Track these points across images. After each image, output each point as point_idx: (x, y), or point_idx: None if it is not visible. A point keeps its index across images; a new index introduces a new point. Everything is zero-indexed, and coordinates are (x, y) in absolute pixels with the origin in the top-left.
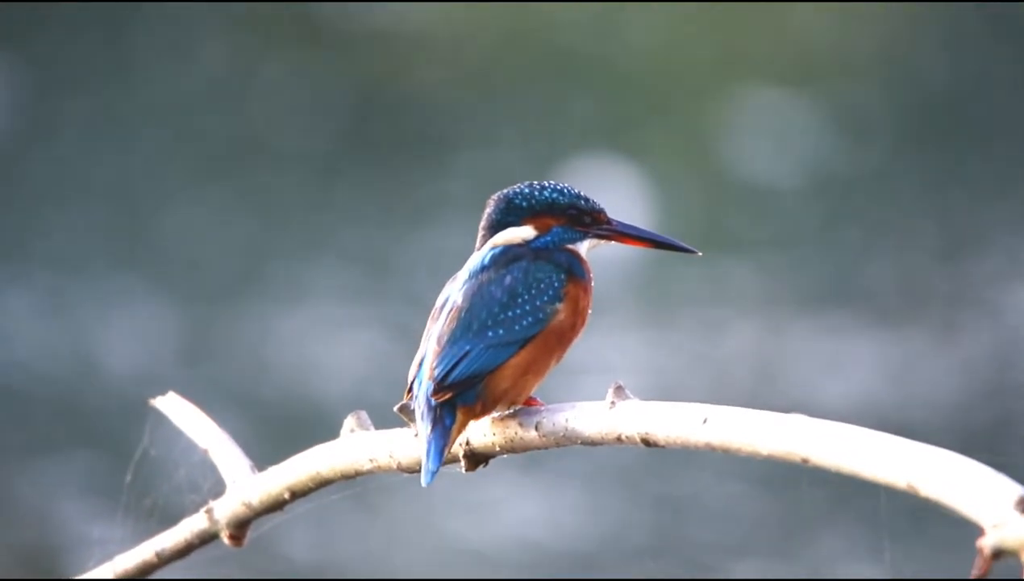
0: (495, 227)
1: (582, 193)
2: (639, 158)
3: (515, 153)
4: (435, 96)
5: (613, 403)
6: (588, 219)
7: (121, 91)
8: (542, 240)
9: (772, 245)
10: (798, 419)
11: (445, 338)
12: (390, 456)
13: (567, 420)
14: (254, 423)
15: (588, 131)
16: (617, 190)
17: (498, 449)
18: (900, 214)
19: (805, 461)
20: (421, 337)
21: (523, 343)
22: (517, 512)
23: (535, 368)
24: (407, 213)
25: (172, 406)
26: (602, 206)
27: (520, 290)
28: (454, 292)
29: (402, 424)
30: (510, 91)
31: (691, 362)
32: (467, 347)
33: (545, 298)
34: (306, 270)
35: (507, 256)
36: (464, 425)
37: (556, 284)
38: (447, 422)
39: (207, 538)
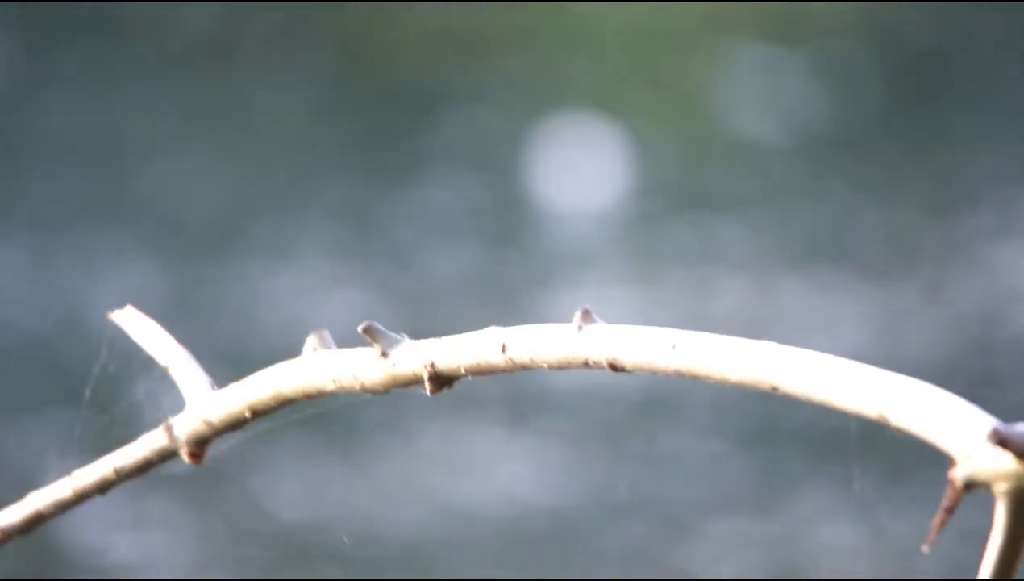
0: None
1: None
2: (624, 116)
3: (500, 110)
4: (420, 51)
5: (580, 327)
6: None
7: (104, 47)
8: None
9: (759, 202)
10: (769, 346)
11: None
12: (354, 376)
13: (532, 344)
14: (239, 380)
15: (573, 88)
16: (602, 148)
17: (463, 371)
18: (888, 170)
19: (775, 389)
20: (403, 293)
21: None
22: (502, 470)
23: None
24: (392, 169)
25: (130, 321)
26: None
27: None
28: None
29: (366, 345)
30: (496, 47)
31: (678, 319)
32: None
33: None
34: (291, 226)
35: None
36: None
37: None
38: None
39: (166, 455)
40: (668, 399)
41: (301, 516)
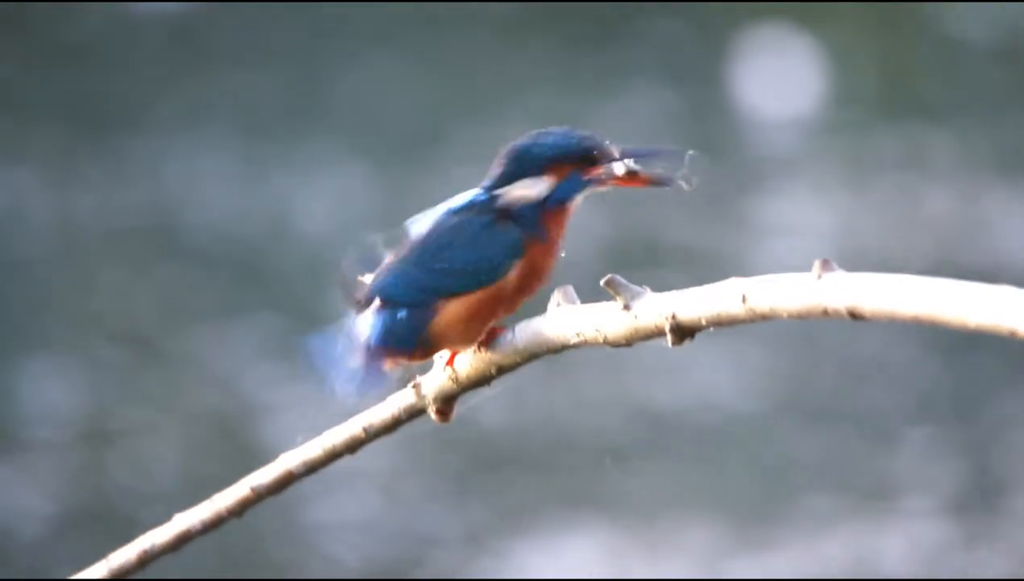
0: (508, 179)
1: (586, 135)
2: (822, 24)
3: (694, 21)
4: None
5: (820, 276)
6: (595, 163)
7: None
8: (549, 193)
9: (965, 109)
10: (1007, 291)
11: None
12: (596, 330)
13: (772, 294)
14: None
15: None
16: (804, 55)
17: (704, 323)
18: None
19: (1013, 334)
20: (608, 199)
21: (463, 292)
22: (698, 375)
23: (477, 317)
24: (592, 77)
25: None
26: (608, 143)
27: (475, 242)
28: (420, 226)
29: (608, 298)
30: None
31: (884, 225)
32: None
33: (500, 257)
34: (493, 131)
35: (476, 209)
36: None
37: (512, 242)
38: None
39: (415, 413)
40: None
41: (501, 423)
